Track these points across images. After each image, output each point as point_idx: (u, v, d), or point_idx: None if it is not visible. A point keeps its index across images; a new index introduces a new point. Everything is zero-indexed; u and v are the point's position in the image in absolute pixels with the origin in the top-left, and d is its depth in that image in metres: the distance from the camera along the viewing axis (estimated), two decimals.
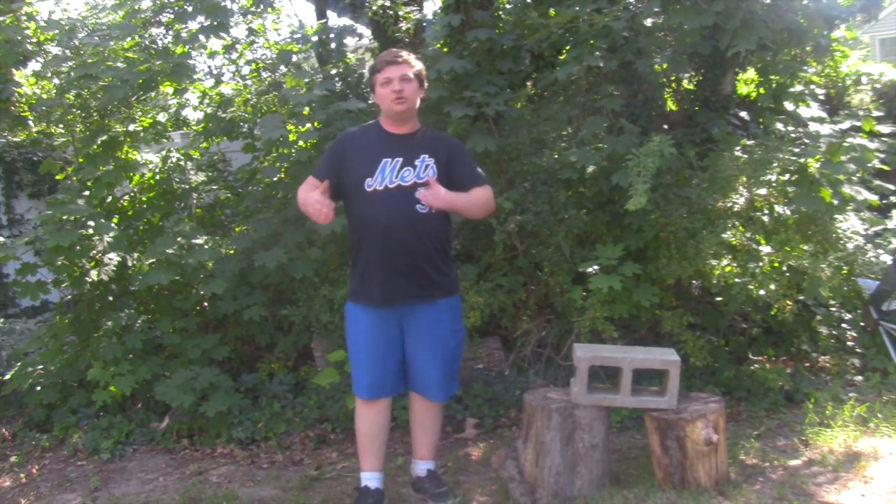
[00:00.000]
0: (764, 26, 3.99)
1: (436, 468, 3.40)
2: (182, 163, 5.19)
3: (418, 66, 3.18)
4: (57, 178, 5.27)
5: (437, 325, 3.16)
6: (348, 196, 3.16)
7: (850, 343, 4.75)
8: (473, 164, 3.27)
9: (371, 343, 3.16)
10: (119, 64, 4.57)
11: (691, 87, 5.29)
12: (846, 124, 4.85)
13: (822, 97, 5.41)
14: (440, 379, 3.21)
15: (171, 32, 5.02)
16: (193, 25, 4.75)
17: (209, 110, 5.31)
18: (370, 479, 3.29)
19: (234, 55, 5.26)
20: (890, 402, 3.99)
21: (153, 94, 4.99)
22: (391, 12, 4.93)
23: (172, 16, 4.85)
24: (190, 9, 4.70)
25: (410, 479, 3.47)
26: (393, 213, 3.04)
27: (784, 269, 4.06)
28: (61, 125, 5.07)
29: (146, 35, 4.97)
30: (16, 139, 6.79)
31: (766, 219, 4.24)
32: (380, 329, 3.15)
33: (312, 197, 3.01)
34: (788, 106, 4.84)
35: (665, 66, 4.89)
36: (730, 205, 4.28)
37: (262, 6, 5.09)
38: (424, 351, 3.17)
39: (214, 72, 5.35)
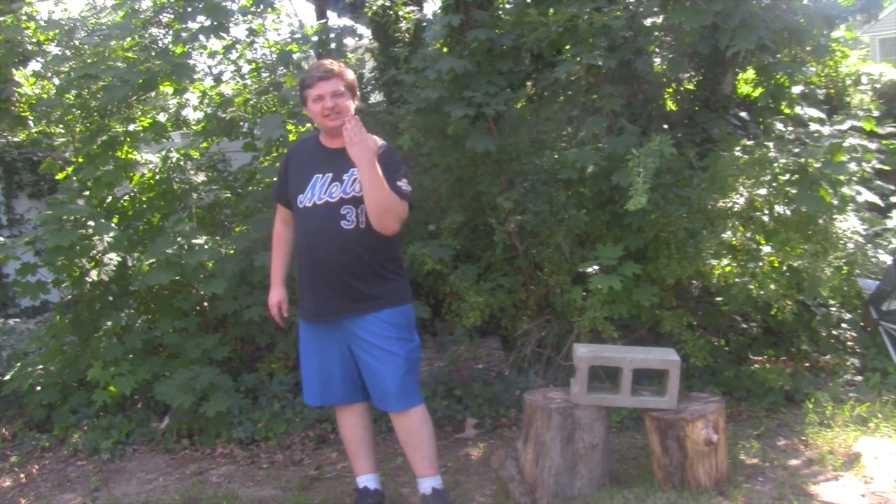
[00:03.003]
0: (763, 26, 3.99)
1: (442, 486, 3.21)
2: (182, 163, 5.19)
3: (350, 76, 3.12)
4: (57, 178, 5.27)
5: (379, 337, 3.06)
6: (292, 213, 3.20)
7: (850, 343, 4.75)
8: (399, 175, 3.05)
9: (316, 355, 3.18)
10: (119, 64, 4.57)
11: (691, 87, 5.29)
12: (846, 125, 4.85)
13: (822, 97, 5.41)
14: (391, 389, 3.08)
15: (171, 32, 5.02)
16: (193, 25, 4.75)
17: (209, 110, 5.31)
18: (367, 480, 3.29)
19: (234, 55, 5.26)
20: (890, 402, 3.99)
21: (153, 94, 4.98)
22: (391, 12, 4.94)
23: (172, 16, 4.85)
24: (190, 9, 4.70)
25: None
26: (318, 230, 3.02)
27: (784, 269, 4.06)
28: (61, 125, 5.07)
29: (146, 35, 4.97)
30: (16, 139, 6.79)
31: (766, 219, 4.24)
32: (322, 342, 3.15)
33: (274, 299, 3.35)
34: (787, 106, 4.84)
35: (665, 66, 4.89)
36: (730, 205, 4.28)
37: (262, 6, 5.09)
38: (371, 362, 3.08)
39: (214, 72, 5.35)
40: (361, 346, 3.09)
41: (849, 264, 4.33)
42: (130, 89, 4.43)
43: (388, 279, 3.12)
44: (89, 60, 4.61)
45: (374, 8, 5.02)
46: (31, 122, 5.28)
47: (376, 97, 6.38)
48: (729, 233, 4.11)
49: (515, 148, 4.53)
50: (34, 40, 5.08)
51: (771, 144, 4.29)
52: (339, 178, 3.04)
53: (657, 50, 4.96)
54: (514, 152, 4.54)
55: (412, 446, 3.18)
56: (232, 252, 4.68)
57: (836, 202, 4.11)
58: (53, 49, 5.16)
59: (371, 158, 2.92)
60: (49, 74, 5.12)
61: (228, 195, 5.36)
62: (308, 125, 4.70)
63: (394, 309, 3.10)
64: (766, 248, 4.08)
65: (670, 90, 5.37)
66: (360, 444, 3.29)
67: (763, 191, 4.21)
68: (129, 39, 4.86)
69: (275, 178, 4.72)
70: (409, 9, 5.05)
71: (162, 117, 5.30)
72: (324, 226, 3.02)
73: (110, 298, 4.74)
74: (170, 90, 5.12)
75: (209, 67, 5.42)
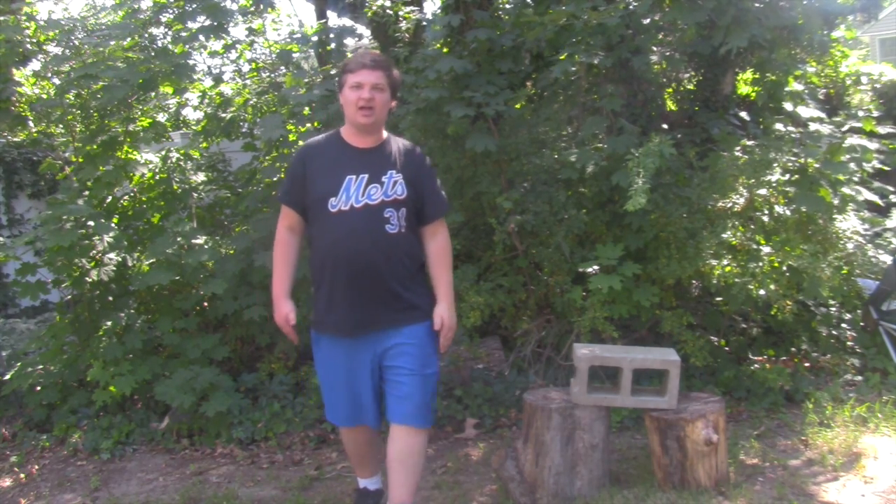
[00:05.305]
0: (757, 23, 3.98)
1: None
2: (182, 163, 5.19)
3: (396, 74, 2.93)
4: (57, 178, 5.27)
5: (420, 349, 2.90)
6: (310, 216, 2.91)
7: (850, 343, 4.75)
8: (437, 184, 3.05)
9: (346, 375, 2.92)
10: (119, 64, 4.57)
11: (691, 87, 5.29)
12: (846, 125, 4.85)
13: (822, 97, 5.41)
14: (420, 403, 2.90)
15: (171, 32, 5.02)
16: (193, 25, 4.75)
17: (209, 110, 5.30)
18: (368, 482, 3.25)
19: (234, 55, 5.26)
20: (890, 402, 3.99)
21: (153, 94, 4.98)
22: (391, 12, 4.94)
23: (172, 16, 4.84)
24: (190, 9, 4.70)
25: None
26: (360, 234, 2.79)
27: (784, 269, 4.06)
28: (61, 125, 5.07)
29: (146, 35, 4.97)
30: (16, 139, 6.79)
31: (766, 219, 4.24)
32: (351, 360, 2.90)
33: (283, 312, 2.94)
34: (787, 105, 4.84)
35: (664, 65, 4.89)
36: (730, 205, 4.28)
37: (261, 6, 5.09)
38: (405, 377, 2.88)
39: (214, 72, 5.35)
40: (398, 360, 2.89)
41: (849, 264, 4.33)
42: (130, 89, 4.44)
43: (425, 287, 2.99)
44: (89, 60, 4.60)
45: (374, 8, 5.02)
46: (31, 122, 5.28)
47: None
48: (729, 233, 4.11)
49: (515, 148, 4.53)
50: (34, 40, 5.08)
51: (771, 144, 4.29)
52: (378, 180, 2.84)
53: (655, 49, 4.95)
54: (514, 152, 4.54)
55: (408, 468, 2.92)
56: (232, 252, 4.68)
57: (836, 202, 4.11)
58: (53, 49, 5.16)
59: (452, 305, 2.99)
60: (49, 74, 5.11)
61: (228, 195, 5.36)
62: (308, 125, 4.70)
63: (431, 320, 2.96)
64: (766, 248, 4.08)
65: (670, 90, 5.36)
66: (365, 455, 3.17)
67: (763, 191, 4.21)
68: (129, 39, 4.86)
69: (275, 178, 4.76)
70: (408, 9, 5.05)
71: (162, 117, 5.30)
72: (367, 230, 2.80)
73: (110, 298, 4.74)
74: (170, 90, 5.11)
75: (209, 67, 5.43)
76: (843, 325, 4.77)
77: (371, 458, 3.19)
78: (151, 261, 4.30)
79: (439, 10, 5.04)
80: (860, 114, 5.00)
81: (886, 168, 4.80)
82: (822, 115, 4.69)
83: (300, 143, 4.68)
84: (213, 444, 4.23)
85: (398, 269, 2.86)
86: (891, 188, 4.98)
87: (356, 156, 2.89)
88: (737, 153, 4.34)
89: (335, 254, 2.83)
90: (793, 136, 4.41)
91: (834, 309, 4.76)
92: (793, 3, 4.30)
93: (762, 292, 3.96)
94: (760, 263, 4.01)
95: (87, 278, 4.47)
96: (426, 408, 2.93)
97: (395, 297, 2.86)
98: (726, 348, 4.65)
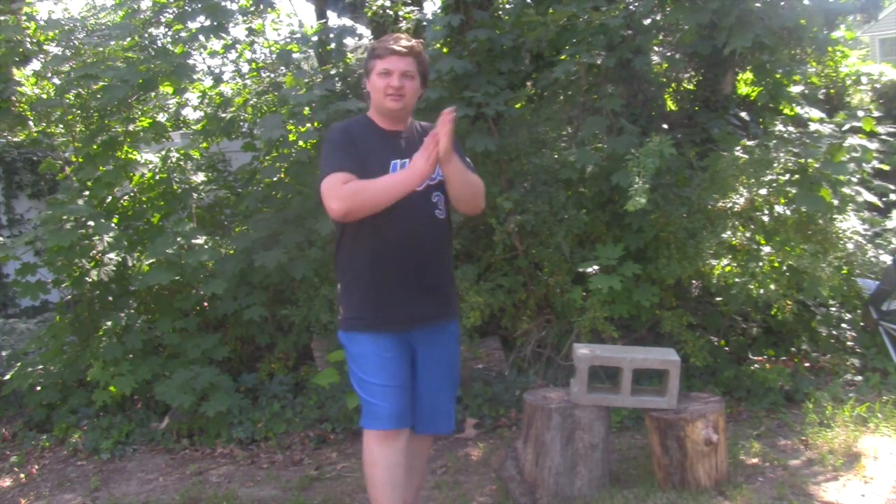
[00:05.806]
0: (760, 24, 3.99)
1: None
2: (182, 163, 5.19)
3: (425, 59, 2.74)
4: (57, 178, 5.27)
5: (449, 349, 2.78)
6: None
7: (850, 343, 4.75)
8: (467, 160, 2.86)
9: (396, 368, 2.63)
10: (119, 64, 4.57)
11: (691, 87, 5.29)
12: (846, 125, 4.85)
13: (822, 97, 5.41)
14: (447, 407, 2.80)
15: (171, 32, 5.02)
16: (193, 25, 4.75)
17: (209, 110, 5.31)
18: None
19: (234, 55, 5.26)
20: (890, 402, 3.99)
21: (153, 94, 4.98)
22: (391, 12, 4.94)
23: (172, 16, 4.85)
24: (190, 9, 4.70)
25: None
26: (414, 221, 2.60)
27: (784, 269, 4.06)
28: (61, 125, 5.07)
29: (146, 35, 4.97)
30: (16, 139, 6.79)
31: (766, 219, 4.24)
32: (399, 352, 2.65)
33: (418, 161, 2.47)
34: (796, 109, 4.84)
35: (665, 65, 4.90)
36: (730, 205, 4.28)
37: (261, 6, 5.09)
38: (437, 378, 2.74)
39: (214, 72, 5.35)
40: (439, 360, 2.74)
41: (849, 264, 4.33)
42: (130, 89, 4.44)
43: (455, 279, 2.93)
44: (89, 60, 4.61)
45: (374, 8, 5.02)
46: (31, 122, 5.28)
47: None
48: (729, 233, 4.11)
49: (515, 148, 4.53)
50: (34, 40, 5.08)
51: (771, 144, 4.29)
52: None
53: (656, 49, 4.96)
54: (514, 152, 4.54)
55: (416, 471, 2.86)
56: (232, 252, 4.69)
57: (836, 202, 4.11)
58: (53, 49, 5.16)
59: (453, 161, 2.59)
60: (49, 74, 5.12)
61: (228, 195, 5.36)
62: (308, 125, 4.70)
63: (458, 318, 2.88)
64: (766, 248, 4.08)
65: (670, 90, 5.37)
66: (395, 489, 2.62)
67: (763, 191, 4.21)
68: (129, 39, 4.86)
69: (275, 178, 4.77)
70: (408, 9, 5.05)
71: (162, 117, 5.30)
72: (420, 215, 2.63)
73: (110, 298, 4.74)
74: (170, 90, 5.11)
75: (209, 67, 5.43)
76: (843, 325, 4.77)
77: (400, 494, 2.64)
78: (151, 261, 4.30)
79: (439, 10, 5.05)
80: (860, 114, 5.00)
81: (886, 168, 4.80)
82: (823, 116, 4.69)
83: (300, 143, 4.69)
84: (213, 444, 4.23)
85: (445, 257, 2.76)
86: (891, 187, 4.98)
87: (394, 139, 2.71)
88: (737, 153, 4.34)
89: (388, 241, 2.61)
90: (793, 136, 4.42)
91: (834, 309, 4.76)
92: (793, 2, 4.31)
93: (762, 292, 3.96)
94: (760, 263, 4.01)
95: (87, 278, 4.47)
96: (451, 410, 2.86)
97: (444, 288, 2.74)
98: (726, 348, 4.65)
